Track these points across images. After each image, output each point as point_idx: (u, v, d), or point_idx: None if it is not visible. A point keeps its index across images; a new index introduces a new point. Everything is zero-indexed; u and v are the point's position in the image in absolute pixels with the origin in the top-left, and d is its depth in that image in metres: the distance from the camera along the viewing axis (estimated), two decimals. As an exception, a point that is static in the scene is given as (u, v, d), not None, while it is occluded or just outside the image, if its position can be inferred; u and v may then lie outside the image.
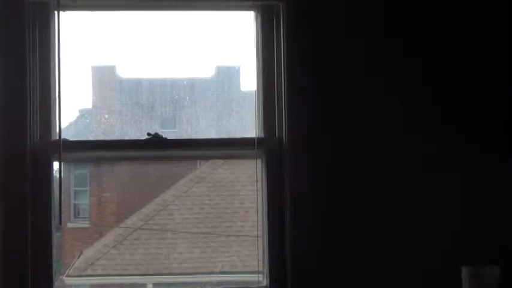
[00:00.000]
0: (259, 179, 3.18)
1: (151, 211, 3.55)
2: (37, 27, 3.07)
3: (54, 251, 3.07)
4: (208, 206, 3.60)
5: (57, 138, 3.01)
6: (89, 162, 3.55)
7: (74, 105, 3.26)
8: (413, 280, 3.07)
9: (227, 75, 3.41)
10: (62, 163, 2.99)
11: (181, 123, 3.33)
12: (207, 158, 3.50)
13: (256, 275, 3.16)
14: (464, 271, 2.87)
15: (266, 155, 3.15)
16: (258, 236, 3.18)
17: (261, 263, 3.17)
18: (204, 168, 3.61)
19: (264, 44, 3.17)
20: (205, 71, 3.36)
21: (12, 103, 2.98)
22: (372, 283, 3.06)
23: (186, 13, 3.24)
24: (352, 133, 3.10)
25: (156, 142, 3.12)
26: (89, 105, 3.36)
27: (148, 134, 3.14)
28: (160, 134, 3.14)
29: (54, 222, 3.05)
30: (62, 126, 3.03)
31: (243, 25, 3.24)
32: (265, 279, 3.15)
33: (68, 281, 3.42)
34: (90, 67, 3.31)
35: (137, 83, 3.35)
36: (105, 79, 3.39)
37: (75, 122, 3.37)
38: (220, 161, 3.58)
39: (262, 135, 3.16)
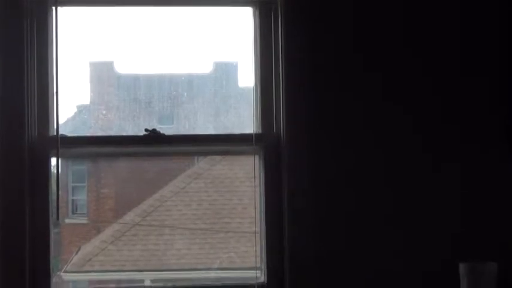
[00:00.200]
0: (257, 175, 3.18)
1: (149, 207, 3.55)
2: (35, 22, 3.06)
3: (52, 246, 3.07)
4: (206, 202, 3.59)
5: (55, 134, 3.01)
6: (87, 158, 3.54)
7: (71, 101, 3.26)
8: (412, 279, 3.07)
9: (225, 71, 3.40)
10: (60, 159, 3.00)
11: (179, 119, 3.33)
12: (205, 154, 3.49)
13: (254, 271, 3.17)
14: (462, 268, 2.87)
15: (264, 151, 3.15)
16: (256, 232, 3.18)
17: (259, 259, 3.17)
18: (202, 164, 3.60)
19: (262, 40, 3.17)
20: (203, 67, 3.36)
21: (10, 99, 2.98)
22: (371, 280, 3.06)
23: (184, 9, 3.24)
24: (350, 129, 3.10)
25: (154, 138, 3.12)
26: (86, 101, 3.36)
27: (146, 130, 3.13)
28: (158, 129, 3.14)
29: (52, 218, 3.05)
30: (60, 122, 3.03)
31: (241, 21, 3.24)
32: (263, 275, 3.15)
33: (66, 276, 3.42)
34: (88, 63, 3.31)
35: (135, 79, 3.35)
36: (103, 75, 3.39)
37: (73, 117, 3.37)
38: (218, 157, 3.57)
39: (260, 131, 3.16)
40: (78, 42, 3.18)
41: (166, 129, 3.15)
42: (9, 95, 2.98)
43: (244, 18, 3.22)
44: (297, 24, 3.09)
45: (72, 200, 3.69)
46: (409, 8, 3.14)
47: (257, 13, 3.19)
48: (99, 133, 3.32)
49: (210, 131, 3.30)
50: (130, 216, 3.55)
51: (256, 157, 3.18)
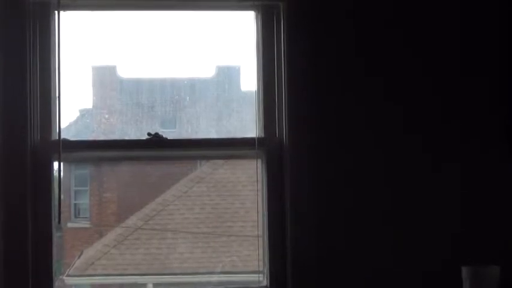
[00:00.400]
0: (259, 179, 3.18)
1: (151, 211, 3.55)
2: (37, 26, 3.07)
3: (55, 250, 3.07)
4: (209, 206, 3.60)
5: (58, 138, 3.01)
6: (89, 162, 3.55)
7: (74, 105, 3.27)
8: (413, 280, 3.07)
9: (227, 75, 3.41)
10: (62, 163, 2.99)
11: (181, 123, 3.33)
12: (208, 158, 3.50)
13: (257, 275, 3.17)
14: (465, 271, 2.87)
15: (266, 155, 3.15)
16: (258, 236, 3.18)
17: (261, 263, 3.17)
18: (204, 168, 3.60)
19: (264, 44, 3.17)
20: (206, 71, 3.36)
21: (13, 103, 2.99)
22: (372, 283, 3.06)
23: (187, 13, 3.24)
24: (352, 133, 3.10)
25: (156, 142, 3.12)
26: (89, 105, 3.36)
27: (149, 134, 3.14)
28: (160, 134, 3.14)
29: (55, 222, 3.05)
30: (63, 126, 3.03)
31: (244, 25, 3.24)
32: (265, 279, 3.15)
33: (68, 280, 3.42)
34: (91, 67, 3.31)
35: (138, 83, 3.35)
36: (105, 79, 3.39)
37: (76, 122, 3.37)
38: (220, 161, 3.57)
39: (262, 135, 3.16)
40: (81, 46, 3.18)
41: (169, 134, 3.15)
42: (12, 99, 2.98)
43: (247, 22, 3.22)
44: (299, 28, 3.09)
45: (75, 204, 3.69)
46: (409, 8, 3.14)
47: (260, 17, 3.19)
48: (102, 137, 3.32)
49: (213, 135, 3.30)
50: (132, 220, 3.55)
51: (259, 161, 3.17)
